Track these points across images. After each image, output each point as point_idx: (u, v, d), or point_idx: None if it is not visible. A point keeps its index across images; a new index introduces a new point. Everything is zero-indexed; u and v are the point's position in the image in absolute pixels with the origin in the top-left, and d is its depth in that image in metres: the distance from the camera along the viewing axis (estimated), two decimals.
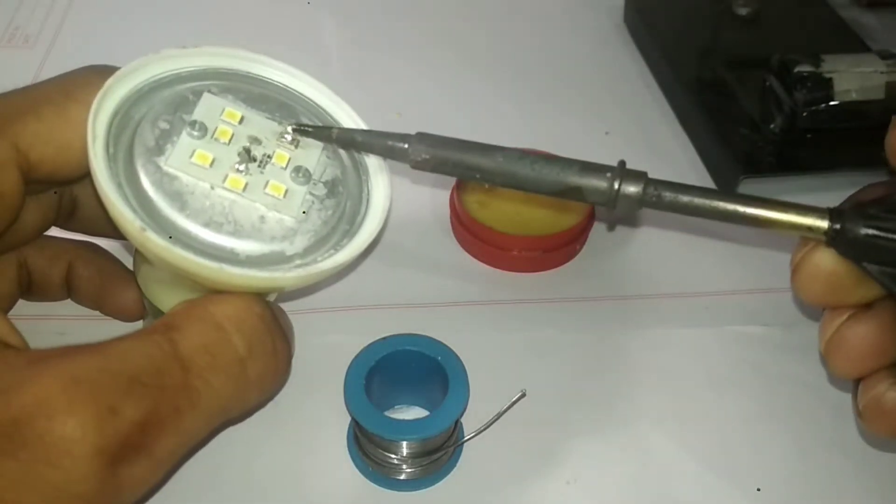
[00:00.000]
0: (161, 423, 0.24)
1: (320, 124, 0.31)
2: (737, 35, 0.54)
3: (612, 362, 0.37)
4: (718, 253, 0.43)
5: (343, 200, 0.29)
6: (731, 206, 0.27)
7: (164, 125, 0.28)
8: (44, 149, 0.27)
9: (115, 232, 0.34)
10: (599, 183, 0.28)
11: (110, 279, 0.35)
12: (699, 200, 0.27)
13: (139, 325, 0.36)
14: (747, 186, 0.44)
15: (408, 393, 0.34)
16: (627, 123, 0.50)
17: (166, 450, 0.25)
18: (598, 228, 0.42)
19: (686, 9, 0.56)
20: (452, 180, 0.43)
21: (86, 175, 0.29)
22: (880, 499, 0.33)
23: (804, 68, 0.44)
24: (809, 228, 0.26)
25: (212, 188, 0.27)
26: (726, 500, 0.33)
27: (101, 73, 0.28)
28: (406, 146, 0.29)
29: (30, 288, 0.35)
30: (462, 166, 0.28)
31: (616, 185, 0.27)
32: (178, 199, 0.27)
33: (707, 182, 0.47)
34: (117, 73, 0.28)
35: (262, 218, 0.28)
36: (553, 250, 0.41)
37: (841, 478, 0.33)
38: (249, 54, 0.31)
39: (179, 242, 0.26)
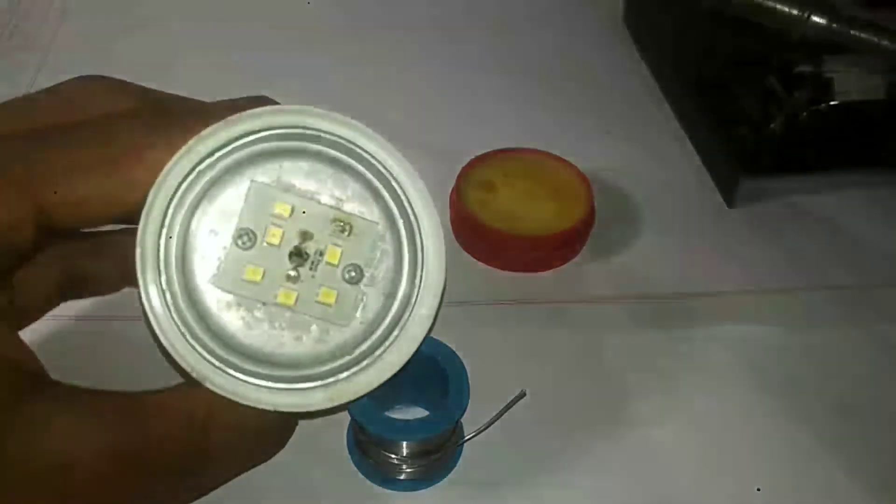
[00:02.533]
0: (165, 498, 0.26)
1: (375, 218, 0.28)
2: (737, 35, 0.54)
3: (613, 362, 0.37)
4: (718, 253, 0.43)
5: (395, 287, 0.28)
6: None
7: (211, 236, 0.27)
8: (69, 215, 0.26)
9: None
10: None
11: None
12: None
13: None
14: (747, 186, 0.44)
15: (408, 393, 0.34)
16: (627, 123, 0.50)
17: None
18: (599, 228, 0.42)
19: (686, 9, 0.56)
20: (452, 180, 0.42)
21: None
22: (880, 499, 0.33)
23: (804, 68, 0.44)
24: None
25: (264, 304, 0.27)
26: (726, 500, 0.33)
27: (148, 136, 0.26)
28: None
29: (81, 290, 0.34)
30: None
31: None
32: (232, 318, 0.27)
33: (707, 181, 0.47)
34: (158, 182, 0.26)
35: (314, 326, 0.28)
36: (553, 250, 0.41)
37: (841, 478, 0.33)
38: (297, 107, 0.28)
39: (238, 374, 0.27)
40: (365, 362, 0.28)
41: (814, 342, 0.38)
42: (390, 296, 0.28)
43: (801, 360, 0.37)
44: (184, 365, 0.26)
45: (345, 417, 0.33)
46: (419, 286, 0.28)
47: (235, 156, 0.27)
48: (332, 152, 0.28)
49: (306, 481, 0.32)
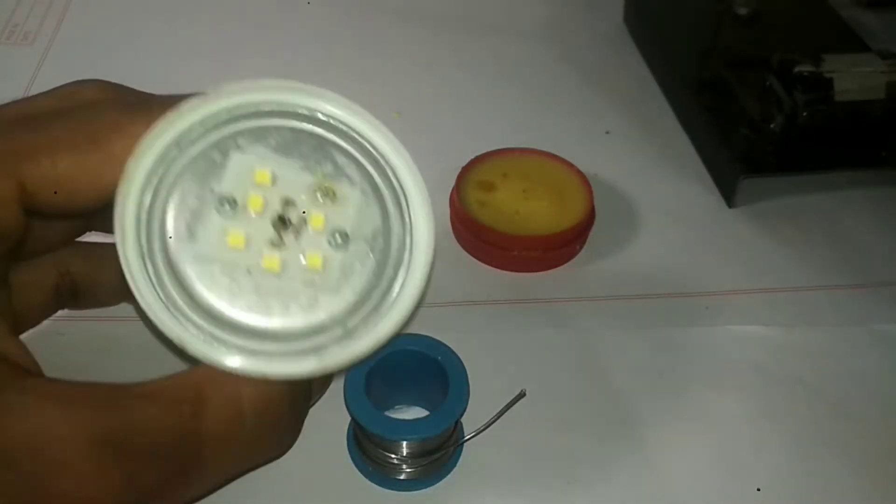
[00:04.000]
0: (166, 494, 0.25)
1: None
2: (737, 35, 0.54)
3: (612, 362, 0.37)
4: (718, 253, 0.43)
5: (384, 256, 0.28)
6: None
7: (193, 203, 0.27)
8: (52, 192, 0.26)
9: None
10: None
11: None
12: None
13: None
14: (747, 186, 0.44)
15: (408, 393, 0.34)
16: (627, 123, 0.50)
17: None
18: (599, 228, 0.42)
19: (686, 9, 0.56)
20: (452, 180, 0.42)
21: (97, 209, 0.28)
22: (879, 499, 0.33)
23: (804, 68, 0.44)
24: None
25: (248, 272, 0.27)
26: (726, 500, 0.33)
27: (129, 114, 0.27)
28: None
29: (76, 297, 0.34)
30: None
31: None
32: (215, 288, 0.26)
33: (707, 182, 0.47)
34: (135, 153, 0.26)
35: (302, 295, 0.27)
36: (553, 250, 0.41)
37: (841, 478, 0.33)
38: (278, 82, 0.28)
39: (223, 345, 0.26)
40: (358, 330, 0.27)
41: (814, 342, 0.38)
42: (380, 263, 0.28)
43: (802, 360, 0.37)
44: (167, 333, 0.25)
45: (345, 417, 0.33)
46: (409, 251, 0.28)
47: (216, 131, 0.27)
48: (313, 127, 0.28)
49: (306, 481, 0.32)
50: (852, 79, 0.44)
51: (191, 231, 0.27)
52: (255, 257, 0.27)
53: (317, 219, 0.27)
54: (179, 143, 0.27)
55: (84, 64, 0.52)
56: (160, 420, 0.25)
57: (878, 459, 0.34)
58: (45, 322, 0.36)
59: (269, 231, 0.27)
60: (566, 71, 0.54)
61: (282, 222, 0.27)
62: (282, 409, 0.28)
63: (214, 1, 0.59)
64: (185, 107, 0.27)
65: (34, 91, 0.49)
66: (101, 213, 0.32)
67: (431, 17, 0.58)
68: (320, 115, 0.28)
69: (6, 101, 0.28)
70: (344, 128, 0.28)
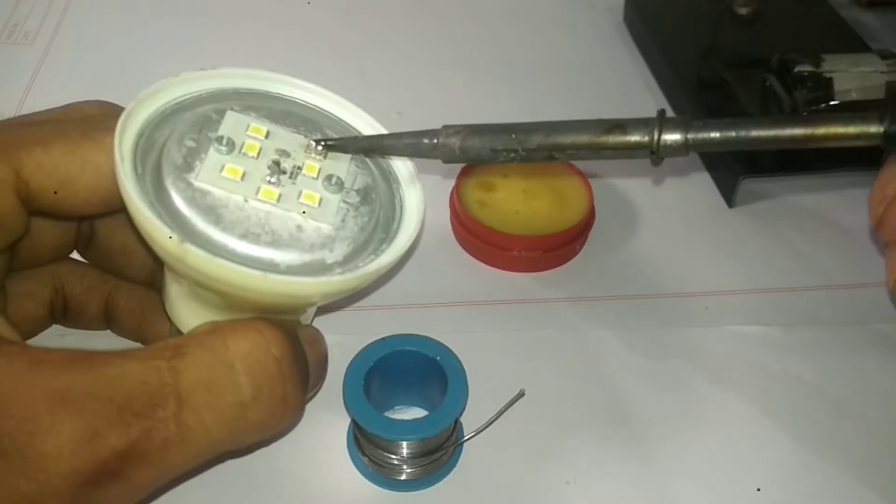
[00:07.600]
0: (144, 455, 0.24)
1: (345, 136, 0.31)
2: (737, 35, 0.54)
3: (613, 362, 0.37)
4: (718, 253, 0.43)
5: (377, 208, 0.29)
6: (773, 132, 0.26)
7: (190, 143, 0.27)
8: (46, 180, 0.27)
9: (127, 269, 0.33)
10: (639, 138, 0.28)
11: (152, 312, 0.34)
12: (745, 133, 0.27)
13: None
14: (747, 186, 0.44)
15: (407, 393, 0.34)
16: None
17: (145, 480, 0.24)
18: (598, 228, 0.42)
19: (686, 9, 0.56)
20: (452, 180, 0.43)
21: (92, 215, 0.29)
22: (880, 498, 0.33)
23: (804, 68, 0.44)
24: (862, 136, 0.26)
25: (245, 200, 0.27)
26: (726, 500, 0.33)
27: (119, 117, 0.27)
28: (435, 141, 0.29)
29: (65, 314, 0.34)
30: (497, 150, 0.28)
31: (657, 136, 0.27)
32: (213, 213, 0.26)
33: (707, 182, 0.47)
34: (138, 97, 0.28)
35: (299, 227, 0.27)
36: (553, 250, 0.41)
37: (841, 478, 0.33)
38: (268, 73, 0.31)
39: (220, 253, 0.25)
40: (352, 268, 0.28)
41: (814, 342, 0.38)
42: (372, 211, 0.29)
43: (802, 360, 0.37)
44: (164, 230, 0.25)
45: (345, 418, 0.33)
46: (399, 208, 0.30)
47: (211, 102, 0.29)
48: (300, 109, 0.31)
49: (306, 481, 0.32)
50: (852, 79, 0.44)
51: (188, 163, 0.27)
52: (251, 189, 0.27)
53: (311, 168, 0.29)
54: (175, 105, 0.29)
55: (84, 64, 0.52)
56: (131, 375, 0.24)
57: (878, 459, 0.34)
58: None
59: (265, 171, 0.28)
60: (566, 70, 0.54)
61: (277, 167, 0.28)
62: (272, 365, 0.26)
63: (214, 1, 0.58)
64: (183, 75, 0.29)
65: (34, 90, 0.49)
66: (98, 237, 0.33)
67: (431, 18, 0.58)
68: (301, 101, 0.32)
69: (6, 100, 0.28)
70: (325, 112, 0.32)
